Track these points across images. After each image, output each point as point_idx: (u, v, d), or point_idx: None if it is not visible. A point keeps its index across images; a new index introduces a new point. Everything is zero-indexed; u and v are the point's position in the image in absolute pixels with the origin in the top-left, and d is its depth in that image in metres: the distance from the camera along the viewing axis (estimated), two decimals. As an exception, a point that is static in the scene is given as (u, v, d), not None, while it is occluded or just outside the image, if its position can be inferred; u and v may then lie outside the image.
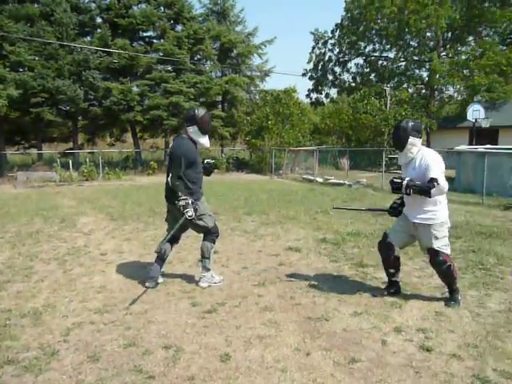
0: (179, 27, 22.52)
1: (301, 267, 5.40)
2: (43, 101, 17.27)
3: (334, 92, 34.95)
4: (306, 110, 22.90)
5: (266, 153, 20.26)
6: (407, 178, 3.87)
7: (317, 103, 35.14)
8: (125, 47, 19.73)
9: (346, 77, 34.20)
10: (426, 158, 3.92)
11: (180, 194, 4.27)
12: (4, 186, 15.48)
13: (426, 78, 28.19)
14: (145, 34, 22.68)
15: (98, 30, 20.96)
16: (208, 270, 4.70)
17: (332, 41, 33.28)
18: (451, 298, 4.16)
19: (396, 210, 4.36)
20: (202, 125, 4.43)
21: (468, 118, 20.82)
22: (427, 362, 3.12)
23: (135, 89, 20.41)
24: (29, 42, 17.39)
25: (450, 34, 28.16)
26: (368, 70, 32.36)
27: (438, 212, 3.96)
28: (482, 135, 21.51)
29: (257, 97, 25.76)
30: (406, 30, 26.96)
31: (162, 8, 22.25)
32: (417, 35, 26.83)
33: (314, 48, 34.28)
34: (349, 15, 30.89)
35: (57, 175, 16.59)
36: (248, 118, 21.95)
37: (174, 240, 4.79)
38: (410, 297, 4.35)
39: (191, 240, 6.83)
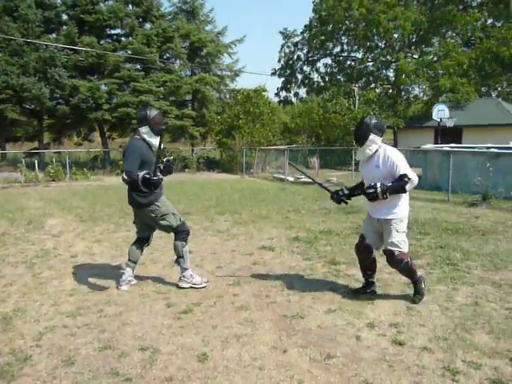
0: (148, 25, 22.24)
1: (275, 266, 5.44)
2: (7, 98, 16.70)
3: (303, 91, 35.36)
4: (276, 110, 23.04)
5: (237, 152, 20.27)
6: (379, 184, 3.84)
7: (286, 102, 35.41)
8: (92, 45, 19.32)
9: (315, 76, 34.66)
10: (390, 157, 3.92)
11: (132, 179, 4.16)
12: (-35, 188, 14.88)
13: (393, 79, 28.89)
14: (113, 32, 22.33)
15: (64, 27, 20.42)
16: (185, 269, 4.64)
17: (301, 40, 33.59)
18: (415, 290, 4.22)
19: (339, 197, 4.41)
20: (153, 125, 4.38)
21: (433, 117, 21.48)
22: (400, 356, 3.21)
23: (103, 87, 20.00)
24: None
25: (415, 36, 28.93)
26: (336, 69, 32.87)
27: (399, 207, 4.00)
28: (446, 134, 22.23)
29: (227, 96, 25.74)
30: (374, 30, 27.54)
31: (129, 5, 21.91)
32: (385, 36, 27.44)
33: (283, 47, 34.55)
34: (317, 16, 31.26)
35: (22, 176, 16.08)
36: (219, 117, 21.89)
37: (144, 241, 4.77)
38: (381, 293, 4.46)
39: (164, 240, 6.77)
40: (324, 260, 5.66)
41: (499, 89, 32.33)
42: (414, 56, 29.09)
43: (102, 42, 20.86)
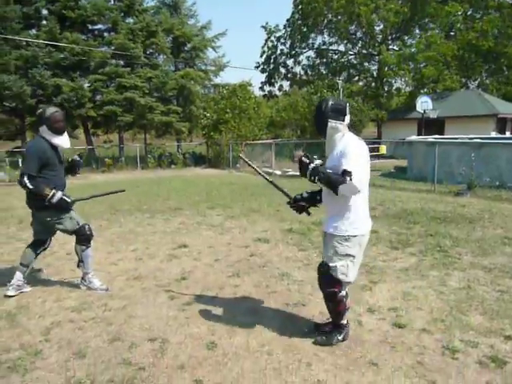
0: (131, 20, 22.00)
1: (272, 257, 5.54)
2: (-13, 97, 16.42)
3: (286, 85, 35.46)
4: (261, 104, 23.09)
5: (224, 146, 20.28)
6: (318, 161, 3.06)
7: (270, 96, 35.49)
8: (76, 41, 19.03)
9: (298, 70, 34.78)
10: (345, 145, 3.00)
11: (44, 192, 4.07)
12: None
13: (376, 71, 29.19)
14: (95, 27, 22.03)
15: (44, 22, 20.08)
16: (86, 273, 4.51)
17: (283, 34, 33.64)
18: (326, 332, 3.35)
19: (295, 203, 3.51)
20: (51, 124, 4.17)
21: (417, 109, 21.81)
22: (401, 338, 3.35)
23: (87, 85, 19.76)
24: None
25: (398, 28, 29.23)
26: (319, 62, 33.04)
27: (347, 221, 3.04)
28: (429, 126, 22.61)
29: (212, 91, 25.68)
30: (356, 23, 27.77)
31: (112, 0, 21.64)
32: (367, 27, 27.68)
33: (266, 41, 34.55)
34: (298, 8, 31.32)
35: (6, 175, 15.85)
36: (205, 112, 21.85)
37: (41, 245, 4.55)
38: (378, 280, 4.60)
39: (159, 236, 6.84)
40: (319, 250, 5.75)
41: (478, 80, 32.92)
42: (396, 48, 29.43)
43: (84, 37, 20.58)
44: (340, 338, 3.28)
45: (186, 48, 23.82)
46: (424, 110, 21.30)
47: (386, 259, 5.34)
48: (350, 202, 3.03)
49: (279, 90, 35.45)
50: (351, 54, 31.04)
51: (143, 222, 7.96)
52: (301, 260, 5.39)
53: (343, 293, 3.19)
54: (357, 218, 3.07)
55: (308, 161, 3.04)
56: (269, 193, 11.33)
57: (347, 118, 3.10)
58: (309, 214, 3.52)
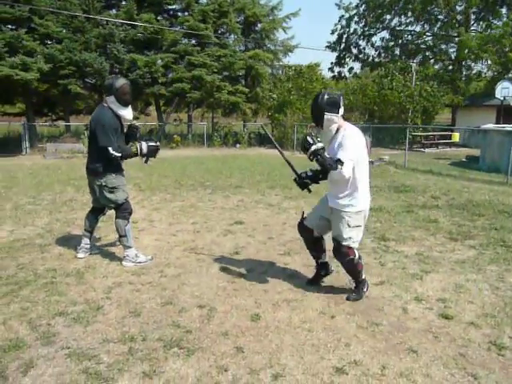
0: (204, 0, 22.32)
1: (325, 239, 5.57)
2: (70, 73, 17.53)
3: (357, 66, 34.35)
4: (329, 85, 22.67)
5: (288, 128, 20.26)
6: (320, 144, 3.37)
7: (339, 77, 34.58)
8: (150, 21, 19.74)
9: (371, 51, 33.50)
10: (343, 137, 3.48)
11: (132, 152, 4.30)
12: (35, 157, 15.98)
13: (454, 54, 27.40)
14: (170, 7, 22.59)
15: (124, 3, 20.96)
16: (129, 247, 4.55)
17: (357, 13, 32.39)
18: (354, 289, 3.85)
19: (301, 180, 3.77)
20: (119, 95, 4.24)
21: (496, 95, 20.31)
22: (446, 329, 3.30)
23: (159, 61, 20.48)
24: (56, 14, 17.57)
25: (481, 7, 27.10)
26: (393, 44, 31.53)
27: (355, 199, 3.56)
28: (509, 114, 21.00)
29: (280, 72, 25.55)
30: (434, 3, 26.10)
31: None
32: (446, 7, 25.94)
33: (339, 19, 33.50)
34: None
35: (84, 147, 16.99)
36: (271, 93, 21.87)
37: (99, 212, 4.82)
38: (431, 270, 4.50)
39: (218, 211, 7.10)
40: (374, 236, 5.73)
41: None
42: (478, 30, 27.36)
43: (159, 17, 21.24)
44: (365, 289, 3.83)
45: (256, 28, 23.78)
46: (504, 97, 19.78)
47: (443, 250, 5.19)
48: (356, 183, 3.53)
49: (349, 71, 34.45)
50: (428, 36, 29.29)
51: (204, 197, 8.28)
52: (353, 244, 5.38)
53: (357, 256, 3.68)
54: (362, 195, 3.60)
55: (312, 141, 3.37)
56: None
57: (341, 110, 3.51)
58: (310, 191, 3.81)
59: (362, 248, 5.15)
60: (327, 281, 4.17)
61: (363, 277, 3.83)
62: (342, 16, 32.96)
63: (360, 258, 3.73)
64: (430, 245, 5.37)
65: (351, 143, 3.43)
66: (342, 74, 34.66)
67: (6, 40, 15.48)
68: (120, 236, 4.57)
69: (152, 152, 4.38)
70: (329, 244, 3.91)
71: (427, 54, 29.14)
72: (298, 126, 19.76)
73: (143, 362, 2.78)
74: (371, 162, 14.19)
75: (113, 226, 5.24)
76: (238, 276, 4.25)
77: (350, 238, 3.60)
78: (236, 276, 4.25)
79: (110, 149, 4.16)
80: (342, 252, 3.64)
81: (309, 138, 3.40)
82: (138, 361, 2.79)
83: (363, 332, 3.23)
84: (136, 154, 4.31)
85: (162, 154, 17.07)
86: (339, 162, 3.32)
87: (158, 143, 4.48)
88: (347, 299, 3.74)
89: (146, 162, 4.49)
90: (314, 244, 4.03)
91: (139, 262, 4.53)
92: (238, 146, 21.06)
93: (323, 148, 3.39)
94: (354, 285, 3.87)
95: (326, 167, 3.37)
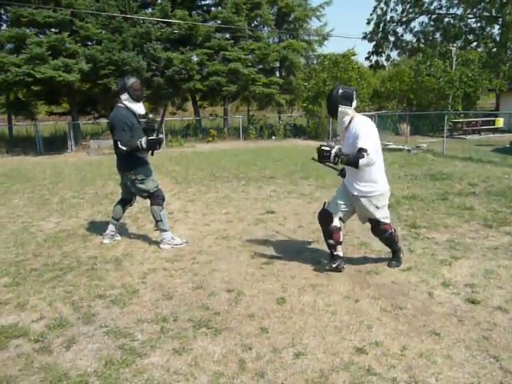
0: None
1: (354, 227, 5.59)
2: (110, 72, 18.15)
3: (395, 54, 33.51)
4: (365, 74, 22.28)
5: (323, 119, 20.12)
6: (336, 147, 3.65)
7: (377, 66, 33.88)
8: (184, 18, 20.09)
9: (409, 37, 32.59)
10: (356, 127, 3.76)
11: (134, 145, 4.52)
12: (79, 154, 16.75)
13: (498, 36, 26.20)
14: (203, 3, 22.90)
15: (159, 1, 21.40)
16: (165, 230, 4.91)
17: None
18: (393, 257, 4.27)
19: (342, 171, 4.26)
20: (132, 92, 4.62)
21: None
22: (471, 313, 3.30)
23: (194, 58, 20.83)
24: (96, 16, 18.22)
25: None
26: (433, 28, 30.51)
27: (377, 183, 3.90)
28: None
29: (314, 62, 25.35)
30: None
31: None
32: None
33: (375, 8, 32.79)
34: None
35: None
36: (305, 84, 21.76)
37: (127, 202, 5.19)
38: (461, 256, 4.47)
39: (251, 201, 7.26)
40: (404, 223, 5.71)
41: None
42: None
43: (193, 13, 21.56)
44: (401, 255, 4.27)
45: (289, 19, 23.66)
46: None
47: (475, 236, 5.11)
48: (373, 170, 3.80)
49: (387, 59, 33.69)
50: (470, 18, 28.14)
51: (238, 188, 8.46)
52: (383, 232, 5.39)
53: (393, 229, 4.15)
54: (379, 178, 3.93)
55: (329, 148, 3.62)
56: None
57: (354, 103, 3.84)
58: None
59: (391, 235, 5.20)
60: (355, 266, 4.24)
61: (400, 245, 4.27)
62: (378, 4, 32.21)
63: (395, 230, 4.19)
64: (462, 232, 5.31)
65: (367, 131, 3.71)
66: (380, 63, 33.95)
67: (51, 43, 16.24)
68: (156, 221, 4.92)
69: (153, 145, 4.59)
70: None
71: (469, 37, 28.03)
72: (333, 117, 19.57)
73: (174, 339, 2.98)
74: (408, 151, 13.93)
75: (149, 216, 5.54)
76: (267, 263, 4.40)
77: (382, 217, 4.00)
78: (264, 263, 4.40)
79: (119, 143, 4.58)
80: (381, 229, 4.07)
81: (324, 148, 3.63)
82: (169, 339, 2.99)
83: (386, 315, 3.29)
84: (138, 148, 4.55)
85: (199, 148, 17.56)
86: (363, 150, 3.54)
87: (161, 136, 4.69)
88: (389, 266, 4.19)
89: (151, 154, 4.76)
90: (333, 233, 4.11)
91: (175, 244, 4.90)
92: (273, 137, 21.13)
93: (340, 148, 3.66)
94: (392, 254, 4.28)
95: (352, 162, 3.59)
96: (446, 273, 4.06)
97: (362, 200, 3.93)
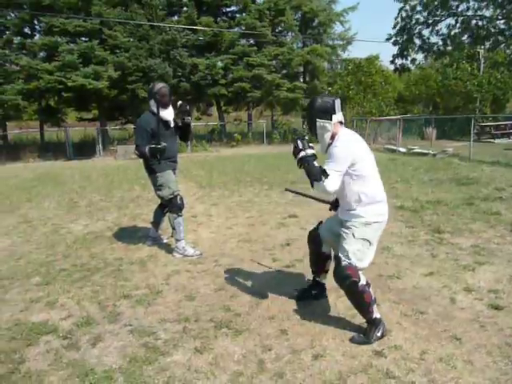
0: (260, 0, 22.64)
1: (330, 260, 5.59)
2: (137, 79, 18.60)
3: (420, 57, 33.04)
4: (390, 78, 22.08)
5: (347, 123, 20.02)
6: (310, 151, 3.02)
7: (402, 70, 33.47)
8: (209, 24, 20.41)
9: (435, 39, 32.06)
10: (333, 147, 2.99)
11: (142, 152, 4.63)
12: (107, 158, 17.21)
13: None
14: (228, 10, 23.20)
15: (185, 9, 21.80)
16: (178, 240, 4.87)
17: (420, 2, 31.13)
18: (365, 329, 3.07)
19: (334, 204, 3.50)
20: (159, 98, 4.62)
21: None
22: (494, 319, 3.26)
23: (219, 63, 21.11)
24: (124, 25, 18.71)
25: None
26: (460, 30, 29.94)
27: (362, 209, 3.00)
28: None
29: (338, 66, 25.29)
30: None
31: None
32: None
33: (400, 11, 32.43)
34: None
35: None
36: (329, 88, 21.73)
37: (164, 206, 5.16)
38: (485, 262, 4.40)
39: (273, 205, 7.32)
40: (428, 228, 5.66)
41: None
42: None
43: (218, 20, 21.89)
44: (378, 333, 3.00)
45: (313, 24, 23.71)
46: None
47: (501, 242, 5.03)
48: (359, 194, 2.99)
49: (412, 63, 33.23)
50: (499, 19, 27.51)
51: (261, 193, 8.54)
52: (405, 236, 5.36)
53: (364, 281, 3.01)
54: (370, 206, 3.02)
55: (301, 147, 3.04)
56: (387, 170, 11.09)
57: (335, 117, 3.02)
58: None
59: (413, 240, 5.19)
60: (376, 270, 4.24)
61: (376, 315, 3.05)
62: (403, 7, 31.85)
63: (368, 285, 3.03)
64: (487, 237, 5.22)
65: (340, 152, 2.93)
66: (405, 66, 33.54)
67: (81, 51, 16.78)
68: (172, 228, 4.96)
69: (155, 153, 4.66)
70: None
71: (499, 38, 27.41)
72: (356, 121, 19.48)
73: (195, 339, 3.06)
74: (433, 155, 13.72)
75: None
76: (287, 266, 4.44)
77: (353, 252, 2.98)
78: (285, 266, 4.45)
79: (135, 147, 4.79)
80: (341, 272, 2.98)
81: (299, 142, 3.07)
82: (191, 338, 3.08)
83: (407, 320, 3.29)
84: (144, 154, 4.65)
85: (223, 153, 17.75)
86: (324, 173, 2.89)
87: (163, 144, 4.64)
88: (350, 340, 3.01)
89: (158, 161, 4.78)
90: (318, 258, 3.58)
91: (186, 255, 4.80)
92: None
93: (314, 155, 3.02)
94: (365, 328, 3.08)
95: (310, 177, 2.96)
96: (469, 278, 4.01)
97: (343, 225, 3.11)
